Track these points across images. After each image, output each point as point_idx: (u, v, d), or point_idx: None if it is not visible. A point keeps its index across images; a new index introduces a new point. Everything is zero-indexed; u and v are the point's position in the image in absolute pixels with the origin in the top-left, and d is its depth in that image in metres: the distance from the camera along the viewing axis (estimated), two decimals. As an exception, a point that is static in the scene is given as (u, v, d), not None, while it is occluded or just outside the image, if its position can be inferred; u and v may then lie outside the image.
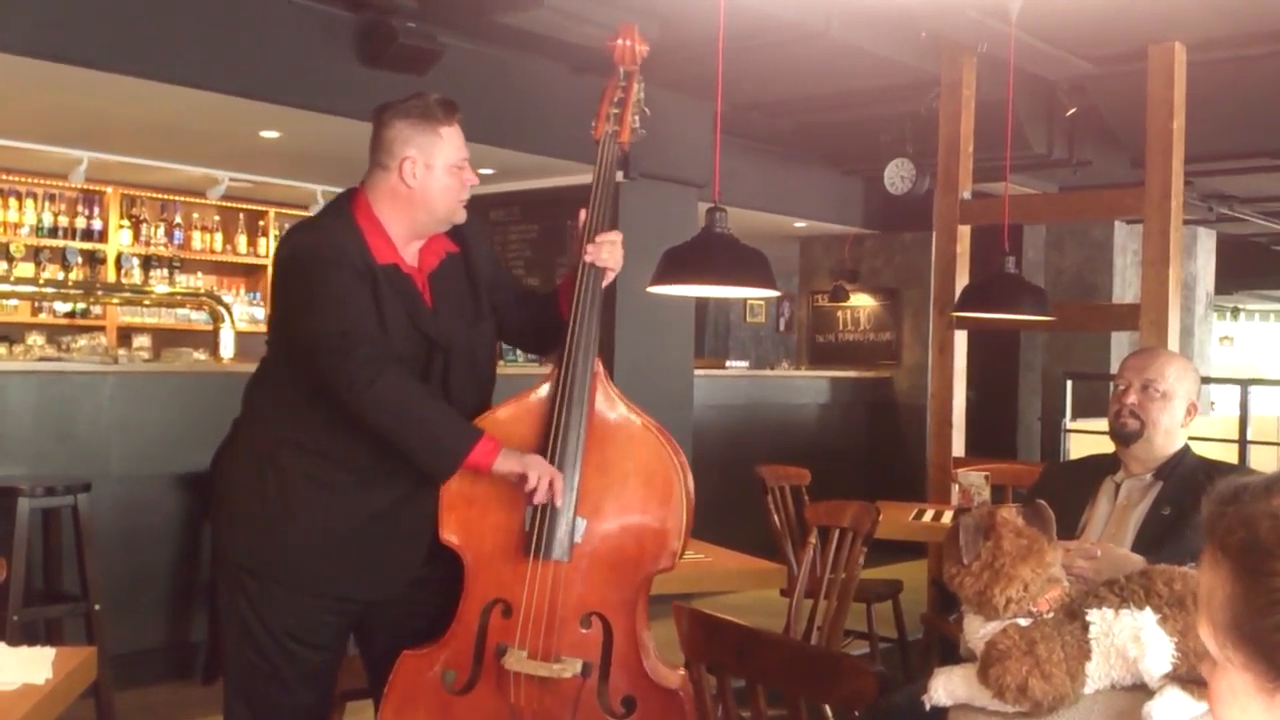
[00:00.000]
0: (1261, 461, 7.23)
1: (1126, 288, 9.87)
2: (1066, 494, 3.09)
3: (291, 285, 2.71)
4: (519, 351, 6.65)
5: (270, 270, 2.91)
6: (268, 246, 8.72)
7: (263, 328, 8.64)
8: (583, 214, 2.89)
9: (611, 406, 2.76)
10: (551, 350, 2.94)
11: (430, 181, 2.73)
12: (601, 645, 2.69)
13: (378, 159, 2.75)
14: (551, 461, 2.67)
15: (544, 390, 2.76)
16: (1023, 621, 2.22)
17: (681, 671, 2.75)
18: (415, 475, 2.66)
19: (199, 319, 8.11)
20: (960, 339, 6.20)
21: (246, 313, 8.57)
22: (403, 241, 2.77)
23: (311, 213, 8.23)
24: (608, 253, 2.85)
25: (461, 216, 2.82)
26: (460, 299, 2.83)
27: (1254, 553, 1.07)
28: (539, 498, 2.63)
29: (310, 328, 2.63)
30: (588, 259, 2.83)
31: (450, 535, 2.72)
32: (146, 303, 8.05)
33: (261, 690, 2.74)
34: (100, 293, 7.52)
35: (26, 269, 7.75)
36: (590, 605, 2.70)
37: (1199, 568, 1.14)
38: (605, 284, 2.87)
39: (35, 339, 7.17)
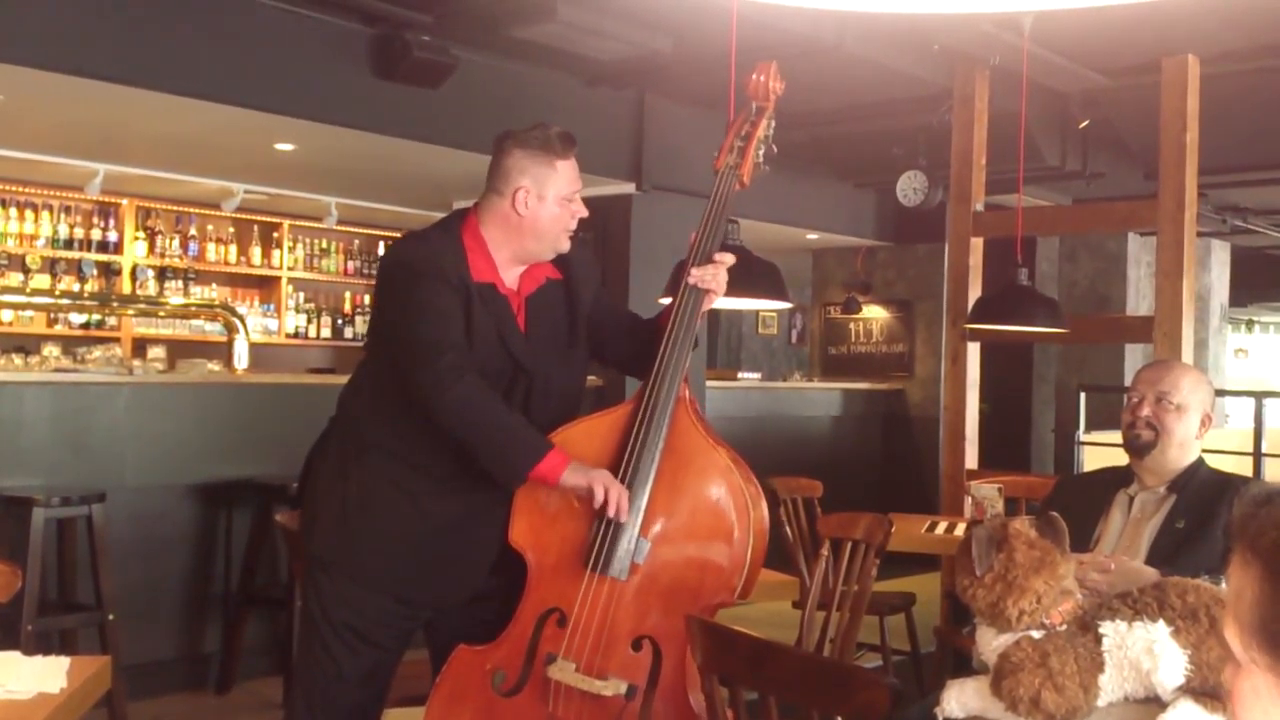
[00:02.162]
0: (1276, 474, 7.19)
1: (1140, 300, 9.84)
2: (1080, 506, 3.09)
3: (387, 293, 2.81)
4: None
5: (376, 278, 2.97)
6: (282, 258, 8.75)
7: (276, 339, 8.68)
8: (692, 236, 2.93)
9: (693, 433, 2.76)
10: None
11: (540, 211, 2.79)
12: (649, 670, 2.68)
13: (493, 184, 2.83)
14: (622, 478, 2.69)
15: (626, 408, 2.78)
16: (1036, 634, 2.21)
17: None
18: (490, 488, 2.73)
19: (213, 330, 8.14)
20: (973, 351, 6.19)
21: (260, 324, 8.61)
22: (505, 265, 2.83)
23: (328, 225, 8.28)
24: (712, 275, 2.89)
25: (566, 246, 2.86)
26: (555, 325, 2.88)
27: None
28: (608, 511, 2.66)
29: (400, 333, 2.74)
30: (691, 280, 2.87)
31: (518, 538, 2.77)
32: (161, 314, 8.09)
33: (321, 685, 2.82)
34: (115, 304, 7.55)
35: (42, 280, 7.79)
36: (643, 628, 2.70)
37: (1227, 569, 1.14)
38: (706, 308, 2.91)
39: (51, 350, 7.20)
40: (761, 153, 2.94)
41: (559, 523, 2.75)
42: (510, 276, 2.85)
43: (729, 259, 2.93)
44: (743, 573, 2.70)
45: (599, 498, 2.65)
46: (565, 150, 2.83)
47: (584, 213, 2.87)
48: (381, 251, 9.09)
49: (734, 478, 2.73)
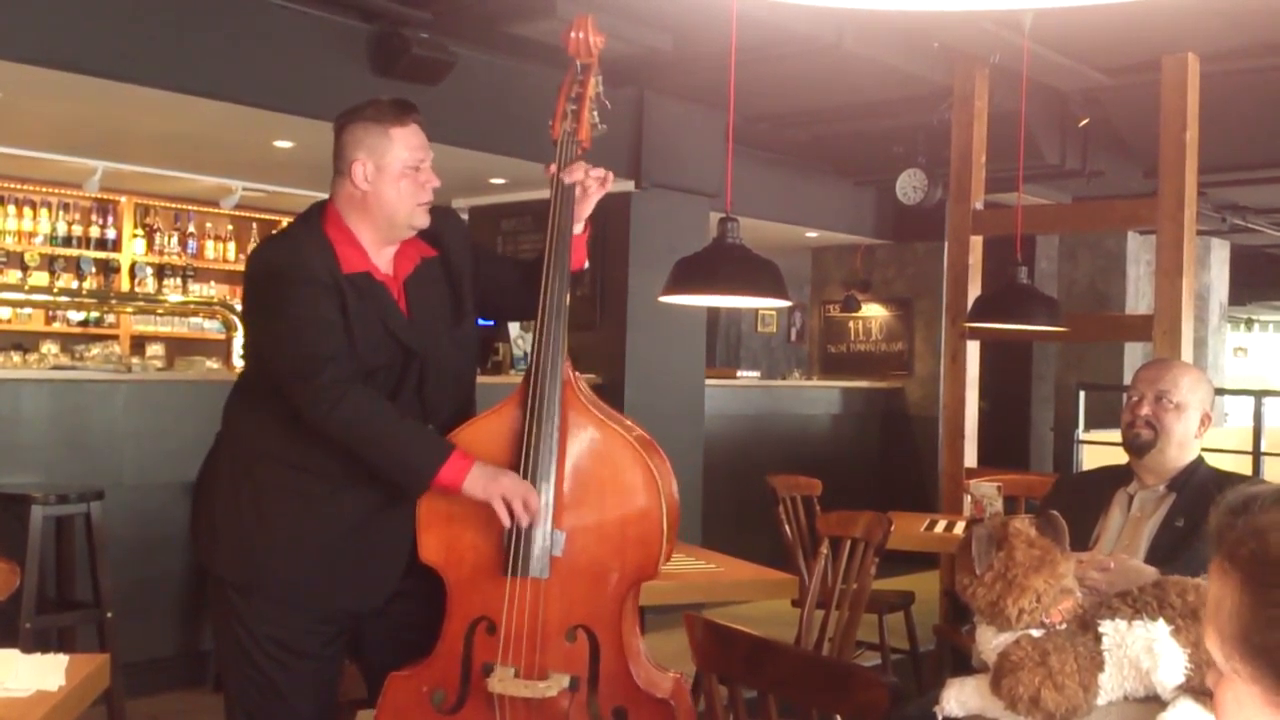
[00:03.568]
0: (1275, 473, 7.18)
1: (1140, 298, 9.84)
2: (1079, 505, 3.09)
3: (259, 304, 2.70)
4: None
5: (243, 286, 2.86)
6: (281, 256, 8.74)
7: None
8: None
9: (583, 414, 2.70)
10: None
11: (382, 184, 2.67)
12: (589, 658, 2.66)
13: (335, 165, 2.72)
14: (525, 474, 2.62)
15: (514, 403, 2.70)
16: (1035, 632, 2.21)
17: (673, 674, 2.74)
18: (391, 486, 2.64)
19: (212, 328, 8.14)
20: (973, 349, 6.19)
21: (259, 322, 8.59)
22: (374, 249, 2.72)
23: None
24: (581, 170, 2.78)
25: (422, 220, 2.73)
26: (439, 303, 2.78)
27: (1263, 564, 1.06)
28: (508, 522, 2.59)
29: (275, 349, 2.64)
30: (565, 178, 2.76)
31: (429, 555, 2.69)
32: (160, 312, 8.09)
33: (260, 703, 2.72)
34: (114, 302, 7.55)
35: (41, 278, 7.79)
36: (574, 618, 2.66)
37: (1207, 578, 1.14)
38: (587, 210, 2.82)
39: (49, 347, 7.20)
40: (596, 113, 2.85)
41: (468, 532, 2.67)
42: (383, 261, 2.73)
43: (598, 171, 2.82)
44: (662, 543, 2.66)
45: (500, 510, 2.57)
46: (400, 116, 2.69)
47: (435, 182, 2.73)
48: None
49: (633, 450, 2.67)
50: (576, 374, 2.75)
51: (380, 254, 2.74)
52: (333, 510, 2.66)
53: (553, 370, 2.67)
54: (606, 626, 2.66)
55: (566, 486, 2.67)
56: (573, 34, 2.85)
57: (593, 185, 2.82)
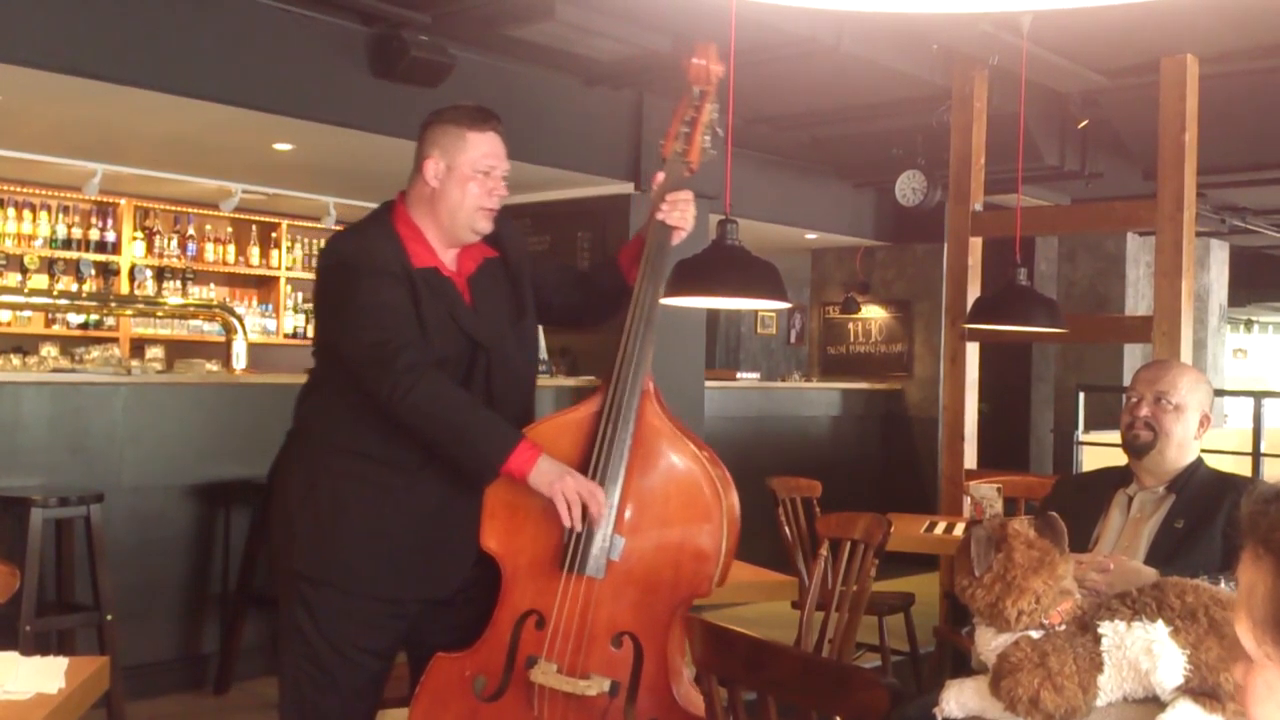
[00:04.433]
0: (1275, 474, 7.19)
1: (1139, 300, 9.84)
2: (1079, 507, 3.09)
3: (331, 295, 2.76)
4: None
5: (314, 280, 2.88)
6: (280, 258, 8.75)
7: (275, 339, 8.67)
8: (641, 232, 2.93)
9: (660, 425, 2.75)
10: (609, 318, 2.99)
11: (451, 183, 2.75)
12: (631, 666, 2.68)
13: (415, 163, 2.82)
14: (593, 476, 2.68)
15: (592, 404, 2.77)
16: (1035, 634, 2.21)
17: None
18: (463, 475, 2.70)
19: (212, 330, 8.14)
20: (972, 351, 6.19)
21: (259, 324, 8.60)
22: (440, 247, 2.81)
23: (327, 225, 8.27)
24: (681, 209, 2.88)
25: (484, 226, 2.81)
26: (501, 298, 2.86)
27: None
28: (568, 522, 2.63)
29: (350, 339, 2.69)
30: (660, 215, 2.86)
31: (489, 543, 2.75)
32: (159, 314, 8.08)
33: (315, 699, 2.76)
34: (113, 304, 7.54)
35: (40, 280, 7.79)
36: (622, 625, 2.69)
37: (1228, 572, 1.14)
38: (677, 240, 2.91)
39: (49, 350, 7.20)
40: (708, 138, 2.91)
41: (530, 525, 2.72)
42: (449, 258, 2.82)
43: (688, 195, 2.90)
44: (719, 562, 2.70)
45: (563, 510, 2.61)
46: (478, 122, 2.78)
47: (503, 192, 2.81)
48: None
49: (704, 467, 2.72)
50: (656, 387, 2.81)
51: (446, 253, 2.82)
52: (409, 500, 2.73)
53: (634, 378, 2.73)
54: (652, 637, 2.68)
55: (632, 494, 2.71)
56: (695, 60, 2.91)
57: (685, 223, 2.92)
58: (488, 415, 2.69)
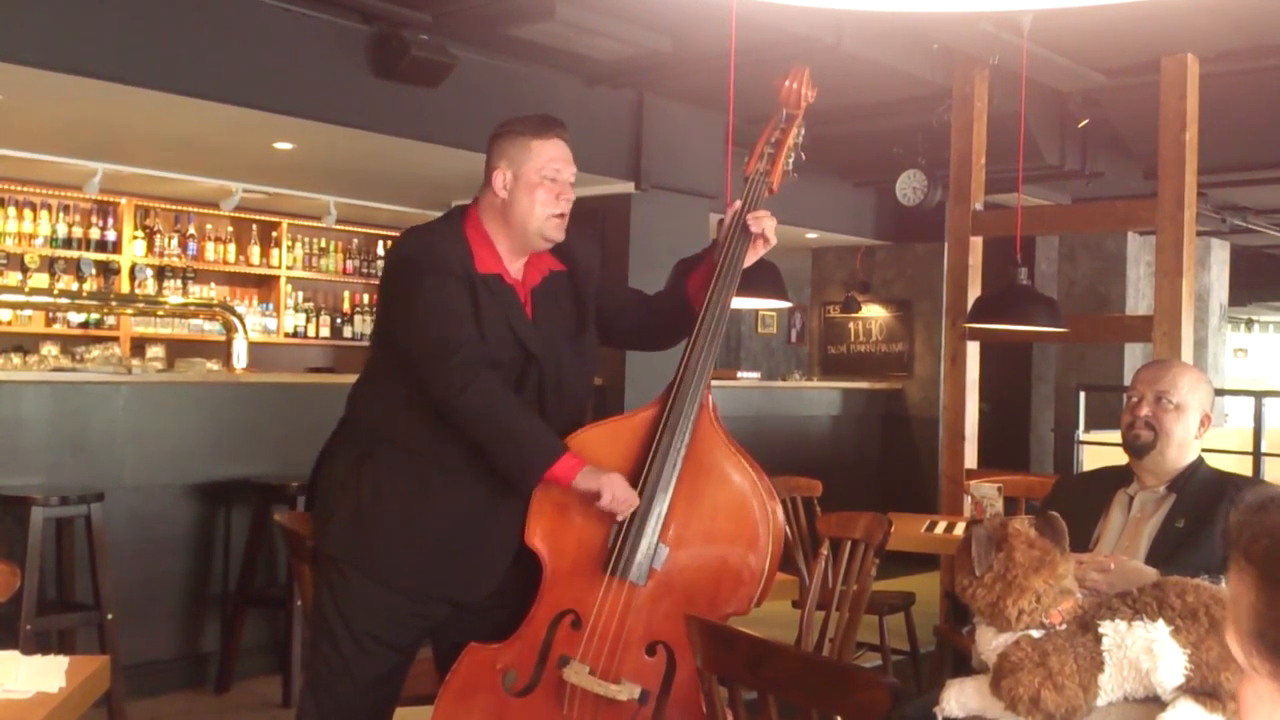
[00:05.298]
0: (1276, 474, 7.19)
1: (1140, 299, 9.84)
2: (1079, 506, 3.08)
3: (395, 290, 2.81)
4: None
5: (381, 273, 3.01)
6: (280, 257, 8.75)
7: (275, 338, 8.68)
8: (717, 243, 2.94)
9: (714, 439, 2.77)
10: (670, 344, 3.02)
11: (519, 192, 2.80)
12: (663, 676, 2.69)
13: (484, 175, 2.87)
14: (643, 482, 2.70)
15: (649, 412, 2.78)
16: (1035, 633, 2.21)
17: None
18: (504, 481, 2.72)
19: (212, 329, 8.13)
20: (973, 350, 6.19)
21: (259, 323, 8.60)
22: (508, 256, 2.84)
23: (327, 224, 8.27)
24: (768, 219, 2.90)
25: (556, 234, 2.84)
26: (562, 313, 2.89)
27: (1278, 562, 1.07)
28: (609, 505, 2.67)
29: (410, 332, 2.73)
30: (751, 225, 2.87)
31: (535, 540, 2.76)
32: (160, 313, 8.08)
33: (332, 688, 2.79)
34: (114, 303, 7.54)
35: (41, 280, 7.78)
36: (658, 634, 2.71)
37: (1226, 576, 1.14)
38: (754, 258, 2.92)
39: (49, 349, 7.19)
40: (791, 160, 2.96)
41: (576, 525, 2.75)
42: (515, 268, 2.86)
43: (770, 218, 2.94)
44: (761, 582, 2.72)
45: (606, 501, 2.65)
46: (542, 130, 2.84)
47: (569, 196, 2.85)
48: (381, 251, 9.09)
49: (755, 486, 2.74)
50: (715, 403, 2.81)
51: (513, 262, 2.86)
52: (447, 500, 2.76)
53: (695, 391, 2.75)
54: (687, 650, 2.66)
55: (681, 505, 2.72)
56: (787, 83, 2.98)
57: (768, 238, 2.92)
58: (537, 422, 2.72)
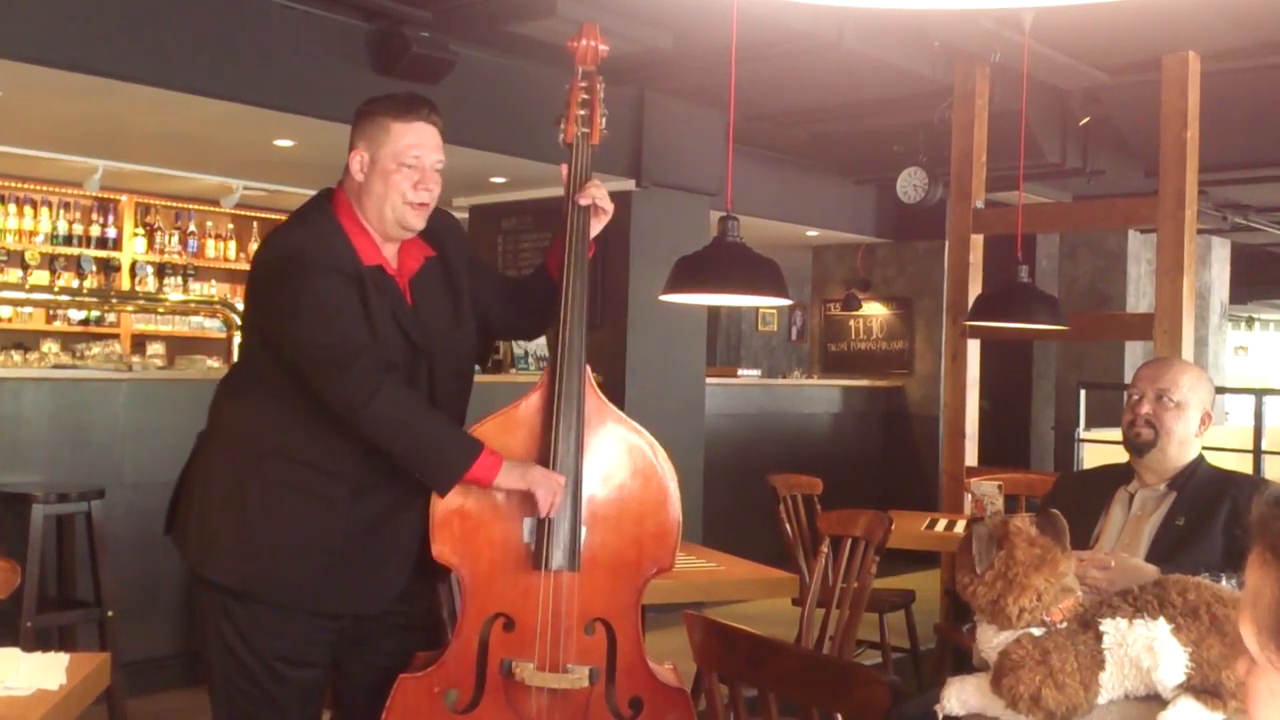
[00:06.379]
0: (1276, 472, 7.19)
1: (1140, 297, 9.84)
2: (1080, 504, 3.08)
3: (278, 291, 2.58)
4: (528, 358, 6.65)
5: (250, 271, 2.75)
6: (281, 255, 8.74)
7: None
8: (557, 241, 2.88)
9: (603, 410, 2.76)
10: (548, 327, 2.90)
11: (374, 177, 2.62)
12: (606, 650, 2.69)
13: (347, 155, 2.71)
14: (551, 468, 2.64)
15: (535, 399, 2.72)
16: (1036, 631, 2.21)
17: (668, 666, 2.79)
18: (406, 483, 2.60)
19: (212, 326, 8.14)
20: (973, 348, 6.19)
21: (260, 321, 8.59)
22: (382, 243, 2.67)
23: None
24: (598, 191, 2.83)
25: (416, 223, 2.66)
26: (441, 303, 2.75)
27: None
28: (547, 511, 2.61)
29: (301, 338, 2.54)
30: (582, 200, 2.81)
31: (443, 552, 2.65)
32: (160, 310, 8.09)
33: (252, 715, 2.64)
34: (114, 300, 7.55)
35: (41, 276, 7.79)
36: (593, 612, 2.70)
37: (1228, 573, 1.14)
38: (599, 227, 2.86)
39: (50, 346, 7.19)
40: (604, 118, 2.91)
41: (484, 527, 2.67)
42: (390, 254, 2.68)
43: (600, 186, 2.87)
44: (677, 535, 2.74)
45: (542, 501, 2.58)
46: (404, 112, 2.64)
47: (431, 184, 2.65)
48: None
49: (648, 444, 2.75)
50: (591, 372, 2.79)
51: (385, 249, 2.69)
52: (349, 510, 2.60)
53: (576, 366, 2.70)
54: (623, 619, 2.70)
55: (587, 480, 2.71)
56: (582, 41, 2.91)
57: (601, 207, 2.85)
58: (448, 423, 2.62)
